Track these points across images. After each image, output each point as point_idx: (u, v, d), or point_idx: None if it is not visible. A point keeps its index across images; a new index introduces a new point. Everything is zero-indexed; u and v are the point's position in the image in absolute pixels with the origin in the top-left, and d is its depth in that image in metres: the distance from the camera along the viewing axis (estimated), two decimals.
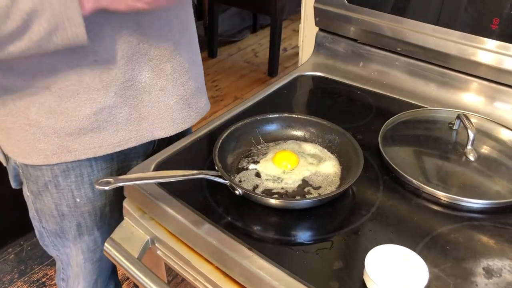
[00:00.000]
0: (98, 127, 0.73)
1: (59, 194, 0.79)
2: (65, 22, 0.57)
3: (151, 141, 0.82)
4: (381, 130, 0.83)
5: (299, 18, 1.36)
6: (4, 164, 0.84)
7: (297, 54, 3.10)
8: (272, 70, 2.87)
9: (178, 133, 0.83)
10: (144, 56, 0.72)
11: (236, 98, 2.69)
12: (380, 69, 1.02)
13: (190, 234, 0.68)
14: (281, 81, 1.02)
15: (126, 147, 0.77)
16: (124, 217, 0.78)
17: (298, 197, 0.71)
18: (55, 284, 1.58)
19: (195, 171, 0.68)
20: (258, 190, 0.72)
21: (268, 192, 0.72)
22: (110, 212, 0.85)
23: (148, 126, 0.78)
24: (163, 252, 0.73)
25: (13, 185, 0.86)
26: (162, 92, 0.77)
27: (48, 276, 1.61)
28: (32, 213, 0.86)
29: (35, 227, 0.89)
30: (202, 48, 0.89)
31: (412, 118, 0.87)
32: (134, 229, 0.76)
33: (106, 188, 0.60)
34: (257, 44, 3.28)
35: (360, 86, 1.00)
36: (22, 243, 1.72)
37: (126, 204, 0.77)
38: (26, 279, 1.61)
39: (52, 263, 1.65)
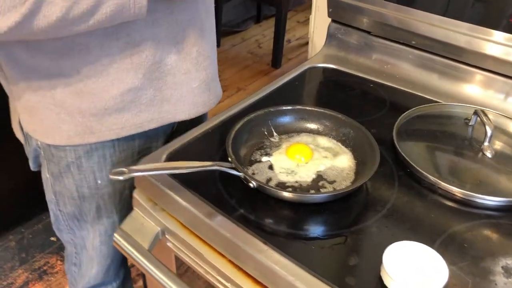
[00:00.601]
0: (123, 108, 0.74)
1: (81, 176, 0.79)
2: (131, 3, 0.60)
3: (170, 123, 0.82)
4: (396, 124, 0.81)
5: (304, 9, 1.34)
6: (23, 142, 0.84)
7: (301, 46, 3.09)
8: (276, 62, 2.84)
9: (197, 117, 0.83)
10: (173, 39, 0.73)
11: (239, 89, 2.67)
12: (393, 62, 1.00)
13: (202, 226, 0.66)
14: (292, 73, 1.00)
15: (147, 128, 0.78)
16: (134, 208, 0.76)
17: (312, 191, 0.70)
18: (56, 272, 1.57)
19: (209, 163, 0.67)
20: (272, 183, 0.71)
21: (282, 185, 0.70)
22: (130, 195, 0.84)
23: (170, 108, 0.78)
24: (173, 244, 0.72)
25: (32, 166, 0.85)
26: (186, 75, 0.77)
27: (49, 264, 1.60)
28: (49, 196, 0.86)
29: (51, 211, 0.89)
30: None
31: (427, 113, 0.86)
32: (144, 220, 0.74)
33: (121, 178, 0.59)
34: (260, 35, 3.25)
35: (373, 79, 0.98)
36: (23, 230, 1.71)
37: (136, 194, 0.76)
38: (27, 267, 1.59)
39: (54, 251, 1.64)
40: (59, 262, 1.60)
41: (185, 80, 0.78)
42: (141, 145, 0.83)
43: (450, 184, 0.70)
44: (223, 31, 3.08)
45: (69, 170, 0.79)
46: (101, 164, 0.79)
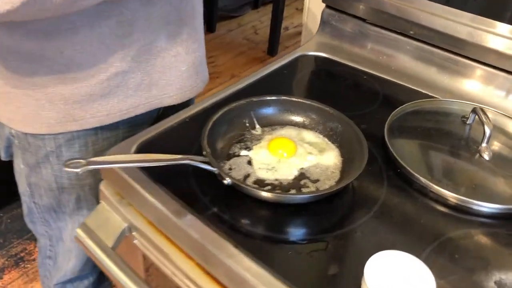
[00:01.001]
0: (109, 93, 0.69)
1: (61, 165, 0.74)
2: None
3: (156, 109, 0.78)
4: (388, 120, 0.75)
5: None
6: None
7: (298, 34, 3.00)
8: (272, 49, 2.77)
9: (183, 104, 0.79)
10: (164, 20, 0.70)
11: (233, 76, 2.60)
12: (389, 53, 0.94)
13: (170, 225, 0.61)
14: (281, 61, 0.94)
15: (133, 114, 0.74)
16: (100, 201, 0.71)
17: (293, 191, 0.64)
18: (33, 260, 1.52)
19: (179, 156, 0.61)
20: (249, 180, 0.65)
21: (261, 183, 0.65)
22: None
23: (158, 93, 0.75)
24: (140, 242, 0.66)
25: (3, 156, 0.80)
26: (175, 58, 0.74)
27: (27, 251, 1.55)
28: (23, 188, 0.81)
29: (23, 203, 0.84)
30: None
31: (422, 108, 0.80)
32: (110, 215, 0.68)
33: (77, 170, 0.53)
34: (257, 21, 3.17)
35: (367, 71, 0.92)
36: (1, 215, 1.65)
37: (103, 186, 0.70)
38: (4, 252, 1.54)
39: (32, 237, 1.58)
40: (37, 249, 1.55)
41: (174, 63, 0.74)
42: (125, 133, 0.77)
43: (443, 188, 0.64)
44: (219, 15, 3.00)
45: (48, 160, 0.74)
46: (83, 153, 0.74)
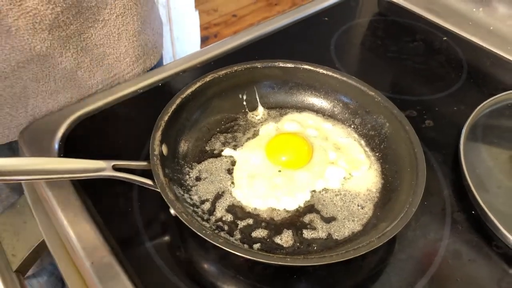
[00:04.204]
0: None
1: None
2: None
3: None
4: (471, 117, 0.47)
5: None
6: None
7: None
8: None
9: None
10: None
11: (294, 3, 2.24)
12: (493, 3, 0.62)
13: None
14: (322, 1, 0.65)
15: None
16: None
17: (287, 234, 0.39)
18: None
19: (96, 165, 0.37)
20: (221, 207, 0.40)
21: (235, 215, 0.40)
22: None
23: None
24: None
25: None
26: None
27: None
28: None
29: None
30: None
31: None
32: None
33: None
34: None
35: (451, 29, 0.61)
36: None
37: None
38: None
39: None
40: None
41: None
42: None
43: None
44: None
45: None
46: None
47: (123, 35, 0.50)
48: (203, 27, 1.99)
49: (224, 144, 0.45)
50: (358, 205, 0.41)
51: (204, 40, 1.86)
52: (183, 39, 1.43)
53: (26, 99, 0.47)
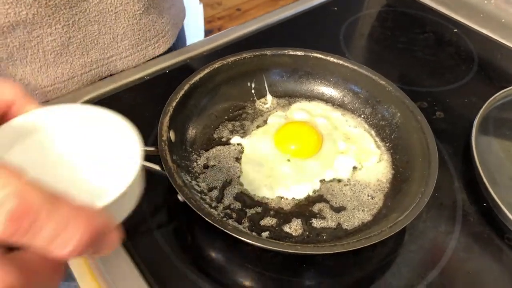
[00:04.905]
0: None
1: None
2: None
3: None
4: (482, 109, 0.46)
5: None
6: None
7: None
8: None
9: None
10: None
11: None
12: None
13: None
14: None
15: None
16: None
17: (296, 222, 0.38)
18: None
19: None
20: (229, 194, 0.39)
21: (243, 203, 0.39)
22: None
23: None
24: None
25: None
26: None
27: None
28: None
29: None
30: None
31: None
32: None
33: None
34: None
35: (461, 21, 0.60)
36: None
37: None
38: None
39: None
40: None
41: None
42: None
43: None
44: None
45: None
46: None
47: (121, 15, 0.49)
48: (207, 21, 1.98)
49: (232, 132, 0.45)
50: (368, 195, 0.40)
51: (208, 34, 1.85)
52: (187, 32, 1.42)
53: (14, 67, 0.46)
